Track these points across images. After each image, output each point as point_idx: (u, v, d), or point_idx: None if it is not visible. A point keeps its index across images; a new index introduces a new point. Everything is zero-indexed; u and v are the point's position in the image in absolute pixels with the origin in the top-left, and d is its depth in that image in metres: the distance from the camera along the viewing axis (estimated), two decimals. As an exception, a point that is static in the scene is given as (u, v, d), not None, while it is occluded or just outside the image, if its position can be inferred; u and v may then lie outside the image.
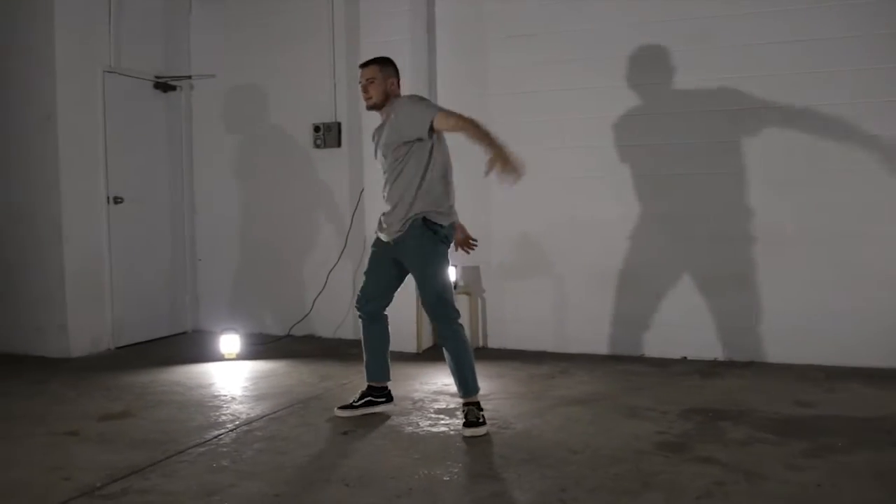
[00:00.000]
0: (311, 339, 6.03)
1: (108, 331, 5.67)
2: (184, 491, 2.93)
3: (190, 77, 6.37)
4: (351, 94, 5.78)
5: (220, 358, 5.29)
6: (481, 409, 3.68)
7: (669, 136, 5.12)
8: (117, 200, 5.74)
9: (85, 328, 5.50)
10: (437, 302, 3.70)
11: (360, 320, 4.00)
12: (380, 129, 3.84)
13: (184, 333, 6.29)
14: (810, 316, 4.82)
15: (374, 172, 5.43)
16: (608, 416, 3.88)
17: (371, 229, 5.50)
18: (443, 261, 3.74)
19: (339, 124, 5.96)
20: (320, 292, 5.90)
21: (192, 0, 6.40)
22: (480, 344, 5.62)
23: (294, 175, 6.14)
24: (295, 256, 6.14)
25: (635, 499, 2.82)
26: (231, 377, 4.81)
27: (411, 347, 5.47)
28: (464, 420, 3.64)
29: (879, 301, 4.67)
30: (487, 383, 4.57)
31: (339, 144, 5.97)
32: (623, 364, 5.03)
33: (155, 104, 6.19)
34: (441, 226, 3.71)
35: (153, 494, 2.90)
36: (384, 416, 3.91)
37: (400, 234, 3.72)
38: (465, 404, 3.71)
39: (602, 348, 5.31)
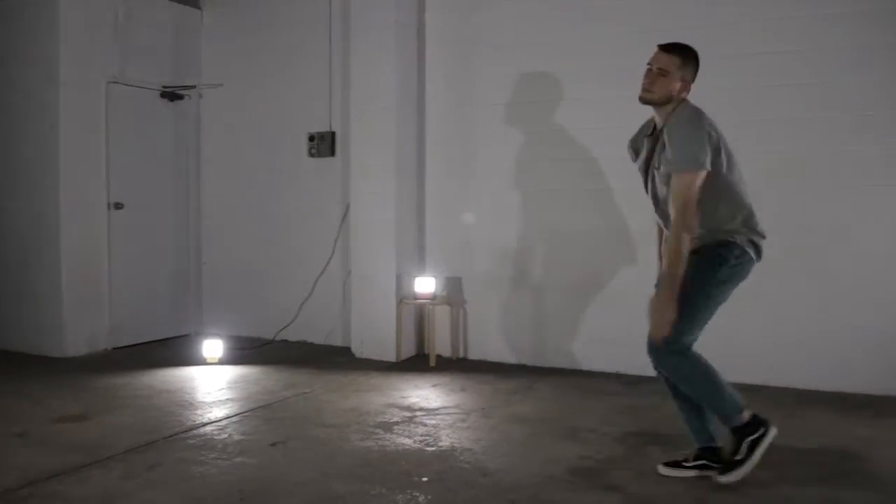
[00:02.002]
0: (302, 344, 6.13)
1: (104, 331, 5.89)
2: (84, 498, 3.04)
3: (196, 87, 6.56)
4: (345, 104, 5.85)
5: (203, 362, 5.44)
6: (746, 437, 3.10)
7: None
8: (118, 206, 5.96)
9: (82, 329, 5.73)
10: None
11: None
12: (648, 137, 3.24)
13: (185, 336, 6.48)
14: (788, 338, 4.64)
15: (362, 184, 5.58)
16: (544, 437, 3.82)
17: (358, 241, 5.62)
18: None
19: (333, 133, 6.04)
20: (306, 299, 6.00)
21: (203, 11, 6.59)
22: (461, 355, 5.61)
23: (291, 182, 6.25)
24: (290, 262, 6.25)
25: (515, 527, 2.78)
26: (203, 382, 4.95)
27: (390, 356, 5.51)
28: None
29: (856, 324, 4.46)
30: (449, 397, 4.60)
31: (332, 153, 6.05)
32: (594, 380, 4.94)
33: (162, 113, 6.40)
34: None
35: (54, 500, 3.02)
36: (319, 427, 3.96)
37: None
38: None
39: (579, 363, 5.23)
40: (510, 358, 5.44)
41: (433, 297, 5.44)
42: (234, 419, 4.12)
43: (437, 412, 4.25)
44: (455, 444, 3.70)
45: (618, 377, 5.03)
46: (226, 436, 3.84)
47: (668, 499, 3.03)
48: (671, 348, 3.06)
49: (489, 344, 5.54)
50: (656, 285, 3.25)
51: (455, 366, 5.41)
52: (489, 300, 5.55)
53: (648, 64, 3.16)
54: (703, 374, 3.09)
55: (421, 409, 4.31)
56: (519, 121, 5.38)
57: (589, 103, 5.14)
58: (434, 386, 4.85)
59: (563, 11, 5.22)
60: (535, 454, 3.56)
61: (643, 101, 3.15)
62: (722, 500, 3.00)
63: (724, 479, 3.06)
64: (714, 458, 3.20)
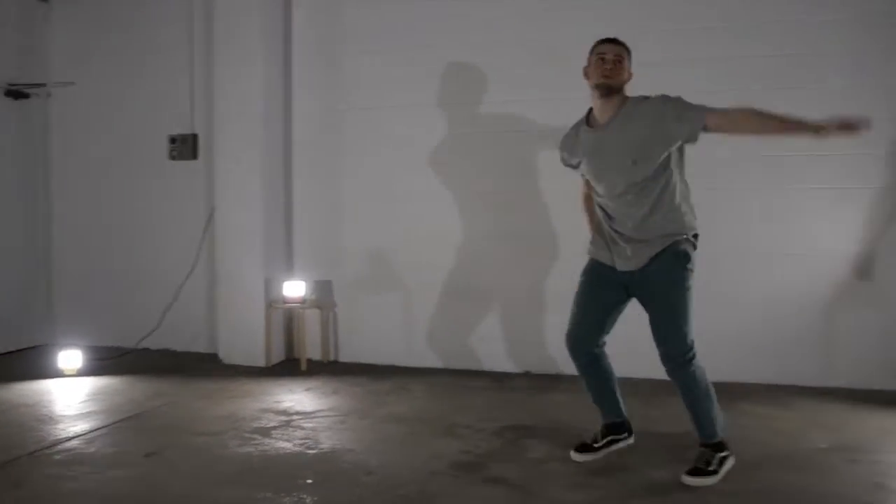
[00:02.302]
0: (166, 353, 5.94)
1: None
2: (-54, 522, 2.86)
3: (45, 85, 6.21)
4: (208, 105, 5.72)
5: (60, 374, 5.17)
6: (719, 453, 3.25)
7: (520, 155, 5.23)
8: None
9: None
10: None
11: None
12: (596, 137, 3.28)
13: (38, 347, 6.11)
14: (643, 333, 4.96)
15: (228, 188, 5.48)
16: (423, 435, 3.93)
17: (224, 245, 5.52)
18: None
19: (195, 136, 5.89)
20: (170, 305, 5.82)
21: (52, 3, 6.24)
22: (332, 358, 5.64)
23: (151, 185, 6.04)
24: (152, 268, 6.03)
25: (404, 522, 2.87)
26: (62, 395, 4.71)
27: (259, 361, 5.45)
28: (693, 466, 3.23)
29: (729, 319, 4.81)
30: (323, 400, 4.61)
31: (195, 156, 5.90)
32: (465, 379, 5.10)
33: (5, 113, 6.01)
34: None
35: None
36: (195, 436, 3.88)
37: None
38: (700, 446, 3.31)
39: (450, 362, 5.39)
40: (382, 360, 5.51)
41: (303, 301, 5.43)
42: (101, 432, 3.96)
43: (313, 415, 4.27)
44: (336, 446, 3.74)
45: (485, 374, 5.22)
46: (94, 449, 3.69)
47: (548, 485, 3.20)
48: (689, 356, 3.19)
49: (360, 346, 5.59)
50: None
51: (327, 369, 5.42)
52: (359, 303, 5.61)
53: (601, 54, 3.23)
54: (707, 383, 3.26)
55: (297, 413, 4.31)
56: (388, 124, 5.46)
57: (457, 107, 5.30)
58: (308, 390, 4.85)
59: (432, 20, 5.36)
60: (416, 451, 3.66)
61: (605, 87, 3.20)
62: (596, 485, 3.21)
63: (694, 481, 3.16)
64: (620, 431, 3.49)
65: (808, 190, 4.78)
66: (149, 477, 3.33)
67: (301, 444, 3.74)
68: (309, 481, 3.27)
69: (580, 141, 3.37)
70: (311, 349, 5.57)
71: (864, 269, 4.75)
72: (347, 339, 5.65)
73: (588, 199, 3.56)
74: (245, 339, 5.50)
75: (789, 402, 4.48)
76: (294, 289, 5.43)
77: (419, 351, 5.46)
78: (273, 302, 5.48)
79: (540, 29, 5.13)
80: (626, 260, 3.28)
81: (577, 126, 3.44)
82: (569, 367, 4.95)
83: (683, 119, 3.11)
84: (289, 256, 5.72)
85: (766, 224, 4.86)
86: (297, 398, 4.64)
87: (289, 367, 5.50)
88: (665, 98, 3.20)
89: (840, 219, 4.75)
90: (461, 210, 5.37)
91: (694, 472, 3.20)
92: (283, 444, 3.77)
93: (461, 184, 5.35)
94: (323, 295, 5.60)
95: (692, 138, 3.14)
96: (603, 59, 3.23)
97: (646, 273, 3.24)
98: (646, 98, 3.24)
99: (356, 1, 5.50)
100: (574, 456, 3.47)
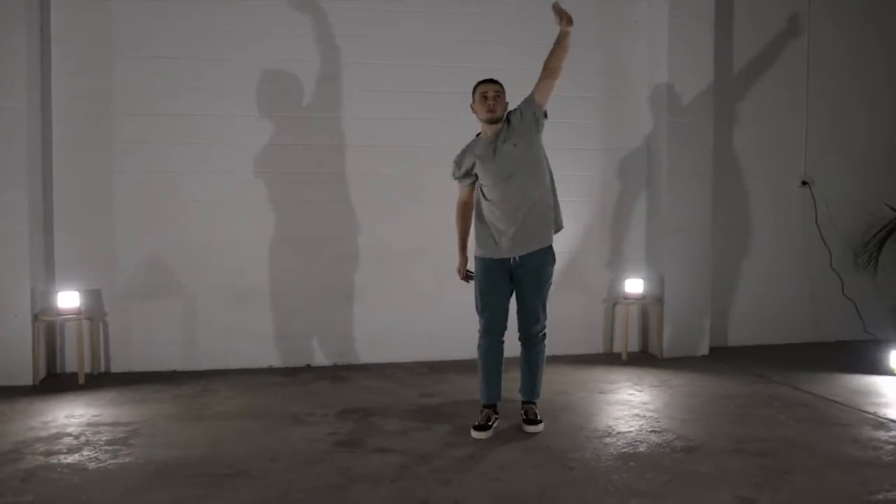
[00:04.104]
0: None
1: None
2: None
3: None
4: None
5: None
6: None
7: (300, 166, 5.63)
8: None
9: None
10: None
11: (480, 343, 4.18)
12: (491, 145, 4.01)
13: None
14: (413, 320, 5.76)
15: None
16: (277, 425, 4.24)
17: None
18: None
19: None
20: None
21: None
22: (102, 369, 5.44)
23: None
24: None
25: (346, 491, 3.29)
26: None
27: (25, 379, 5.07)
28: (526, 418, 4.13)
29: (454, 304, 5.63)
30: (135, 409, 4.56)
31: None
32: (258, 377, 5.37)
33: None
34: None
35: None
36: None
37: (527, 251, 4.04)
38: (525, 403, 4.22)
39: (234, 363, 5.58)
40: (160, 367, 5.48)
41: (78, 312, 5.18)
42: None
43: (139, 425, 4.24)
44: (208, 445, 3.89)
45: (273, 371, 5.55)
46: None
47: (429, 447, 3.83)
48: (543, 334, 4.20)
49: (135, 355, 5.48)
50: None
51: (109, 380, 5.22)
52: (134, 311, 5.49)
53: (484, 93, 3.99)
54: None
55: (104, 426, 4.22)
56: (166, 132, 5.45)
57: (242, 119, 5.53)
58: (111, 402, 4.70)
59: (205, 30, 5.49)
60: (289, 439, 4.00)
61: (492, 120, 3.99)
62: (463, 443, 3.92)
63: (535, 428, 4.10)
64: (497, 410, 4.20)
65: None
66: None
67: (177, 447, 3.82)
68: (228, 473, 3.46)
69: (477, 152, 4.08)
70: (78, 362, 5.30)
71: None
72: (119, 349, 5.49)
73: (464, 207, 4.24)
74: (5, 357, 5.05)
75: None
76: (66, 299, 5.16)
77: (200, 354, 5.56)
78: (39, 314, 5.13)
79: (313, 43, 5.62)
80: (513, 247, 4.02)
81: (470, 143, 4.16)
82: (348, 357, 5.63)
83: (526, 101, 4.06)
84: (50, 266, 5.36)
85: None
86: (109, 411, 4.50)
87: (61, 382, 5.18)
88: (516, 110, 4.09)
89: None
90: (245, 217, 5.59)
91: (532, 422, 4.15)
92: (126, 459, 3.77)
93: (245, 192, 5.57)
94: (93, 305, 5.37)
95: (538, 107, 4.01)
96: (485, 97, 4.00)
97: (525, 259, 4.04)
98: (508, 115, 4.08)
99: (125, 7, 5.38)
100: (476, 434, 4.01)
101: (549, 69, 3.99)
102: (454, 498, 3.23)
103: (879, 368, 5.45)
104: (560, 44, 4.00)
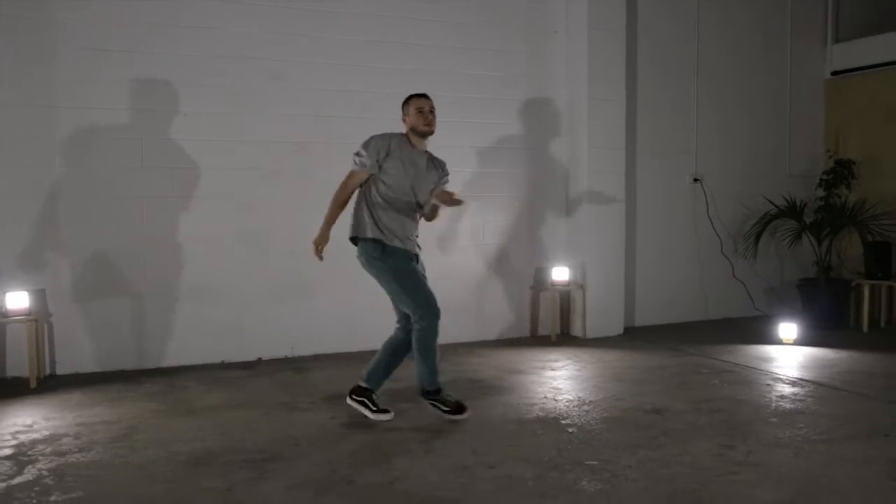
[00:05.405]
0: None
1: None
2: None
3: None
4: None
5: None
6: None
7: (249, 162, 5.70)
8: None
9: None
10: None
11: (435, 324, 4.16)
12: (416, 160, 4.21)
13: None
14: (361, 311, 5.96)
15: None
16: (274, 414, 4.38)
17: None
18: None
19: None
20: None
21: None
22: (48, 372, 5.26)
23: None
24: None
25: (391, 463, 3.55)
26: None
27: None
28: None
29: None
30: (115, 408, 4.51)
31: None
32: (217, 371, 5.41)
33: None
34: None
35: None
36: None
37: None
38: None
39: (185, 360, 5.56)
40: (108, 367, 5.37)
41: (28, 314, 5.00)
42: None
43: (113, 424, 4.20)
44: (232, 433, 3.99)
45: (226, 365, 5.59)
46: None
47: (440, 423, 4.14)
48: None
49: (82, 356, 5.33)
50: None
51: (58, 382, 5.07)
52: (79, 311, 5.33)
53: (420, 108, 4.19)
54: None
55: (96, 425, 4.20)
56: (109, 127, 5.35)
57: (190, 116, 5.53)
58: (81, 404, 4.61)
59: (143, 25, 5.44)
60: (311, 424, 4.16)
61: (428, 134, 4.23)
62: (467, 417, 4.27)
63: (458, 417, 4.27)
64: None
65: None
66: None
67: (225, 437, 3.89)
68: (263, 458, 3.60)
69: (401, 153, 4.18)
70: (20, 366, 5.11)
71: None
72: (65, 349, 5.32)
73: (345, 193, 4.28)
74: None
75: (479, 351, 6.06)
76: (15, 300, 4.96)
77: (151, 352, 5.50)
78: (-16, 317, 4.91)
79: (257, 46, 5.73)
80: (415, 245, 4.34)
81: (395, 139, 4.21)
82: (300, 348, 5.79)
83: (441, 187, 4.38)
84: (-12, 266, 5.12)
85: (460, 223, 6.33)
86: (89, 412, 4.42)
87: (9, 386, 4.96)
88: (447, 172, 4.42)
89: (495, 219, 6.50)
90: (195, 213, 5.57)
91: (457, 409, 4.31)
92: (146, 452, 3.85)
93: (193, 188, 5.56)
94: (37, 306, 5.18)
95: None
96: (421, 111, 4.21)
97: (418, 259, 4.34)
98: (437, 158, 4.38)
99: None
100: (462, 416, 4.21)
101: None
102: (488, 462, 3.58)
103: (771, 339, 6.33)
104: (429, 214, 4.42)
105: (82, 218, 5.33)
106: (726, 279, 7.40)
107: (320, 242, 4.26)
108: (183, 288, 5.58)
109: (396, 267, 4.17)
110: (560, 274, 6.50)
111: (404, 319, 4.29)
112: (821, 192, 7.29)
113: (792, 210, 7.18)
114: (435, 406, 4.25)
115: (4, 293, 5.01)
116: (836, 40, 7.82)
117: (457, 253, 6.38)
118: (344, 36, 5.94)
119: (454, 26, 6.27)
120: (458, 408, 4.25)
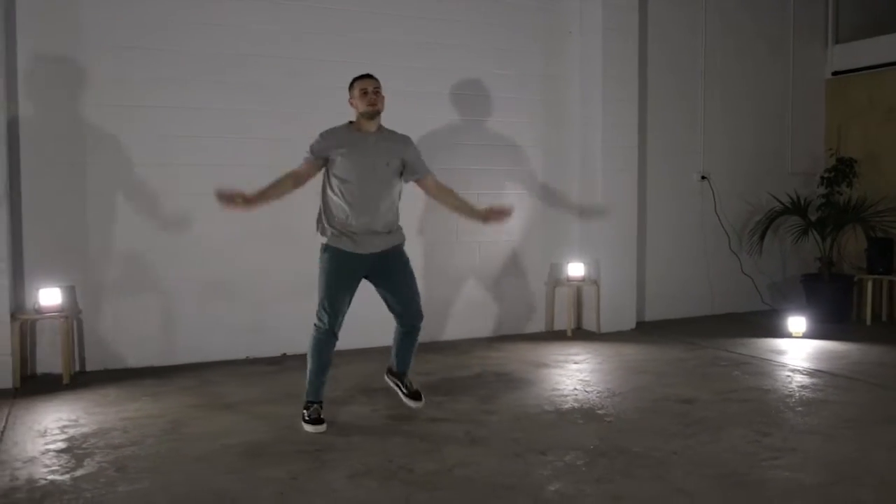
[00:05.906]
0: None
1: None
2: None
3: None
4: None
5: None
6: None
7: (275, 159, 5.64)
8: None
9: None
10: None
11: (324, 338, 4.24)
12: (361, 140, 4.09)
13: None
14: (380, 305, 6.04)
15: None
16: (330, 405, 4.38)
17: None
18: None
19: None
20: None
21: None
22: (77, 368, 5.29)
23: None
24: None
25: (441, 452, 3.65)
26: None
27: (5, 382, 4.87)
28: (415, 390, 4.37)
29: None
30: (155, 403, 4.56)
31: None
32: (246, 367, 5.47)
33: None
34: None
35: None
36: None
37: (385, 248, 4.16)
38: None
39: (211, 356, 5.61)
40: (135, 363, 5.41)
41: (61, 310, 5.03)
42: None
43: (157, 419, 4.25)
44: (282, 427, 4.07)
45: (263, 360, 5.66)
46: None
47: (480, 415, 4.24)
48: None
49: (110, 353, 5.36)
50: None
51: (89, 379, 5.10)
52: (108, 309, 5.36)
53: (364, 89, 4.09)
54: None
55: (140, 419, 4.25)
56: (144, 124, 5.40)
57: (219, 112, 5.58)
58: (119, 399, 4.65)
59: (182, 22, 5.48)
60: (334, 417, 4.25)
61: (375, 114, 4.10)
62: (503, 407, 4.38)
63: (418, 404, 4.33)
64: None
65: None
66: None
67: (290, 427, 3.96)
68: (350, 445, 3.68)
69: (347, 139, 4.11)
70: (50, 362, 5.15)
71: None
72: (94, 347, 5.35)
73: (289, 178, 4.28)
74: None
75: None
76: (48, 297, 4.99)
77: (176, 350, 5.54)
78: (16, 313, 4.93)
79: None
80: (371, 244, 4.13)
81: (339, 130, 4.18)
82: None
83: (418, 162, 4.26)
84: (19, 263, 5.13)
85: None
86: (128, 407, 4.47)
87: (43, 383, 4.99)
88: (410, 140, 4.29)
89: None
90: (212, 208, 5.61)
91: (415, 395, 4.38)
92: (201, 444, 3.92)
93: (218, 183, 5.58)
94: (67, 303, 5.20)
95: (409, 178, 4.27)
96: (366, 91, 4.10)
97: (386, 256, 4.20)
98: (396, 132, 4.27)
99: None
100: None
101: (445, 200, 4.40)
102: (539, 448, 3.70)
103: (779, 332, 6.51)
104: (463, 210, 4.45)
105: (111, 216, 5.37)
106: (732, 274, 7.57)
107: (238, 196, 4.16)
108: (207, 284, 5.63)
109: (325, 265, 4.15)
110: (576, 270, 6.63)
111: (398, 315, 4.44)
112: (822, 190, 7.48)
113: (797, 207, 7.38)
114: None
115: (37, 290, 5.05)
116: (837, 42, 8.04)
117: (474, 250, 6.49)
118: (358, 34, 6.01)
119: (470, 26, 6.37)
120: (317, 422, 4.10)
